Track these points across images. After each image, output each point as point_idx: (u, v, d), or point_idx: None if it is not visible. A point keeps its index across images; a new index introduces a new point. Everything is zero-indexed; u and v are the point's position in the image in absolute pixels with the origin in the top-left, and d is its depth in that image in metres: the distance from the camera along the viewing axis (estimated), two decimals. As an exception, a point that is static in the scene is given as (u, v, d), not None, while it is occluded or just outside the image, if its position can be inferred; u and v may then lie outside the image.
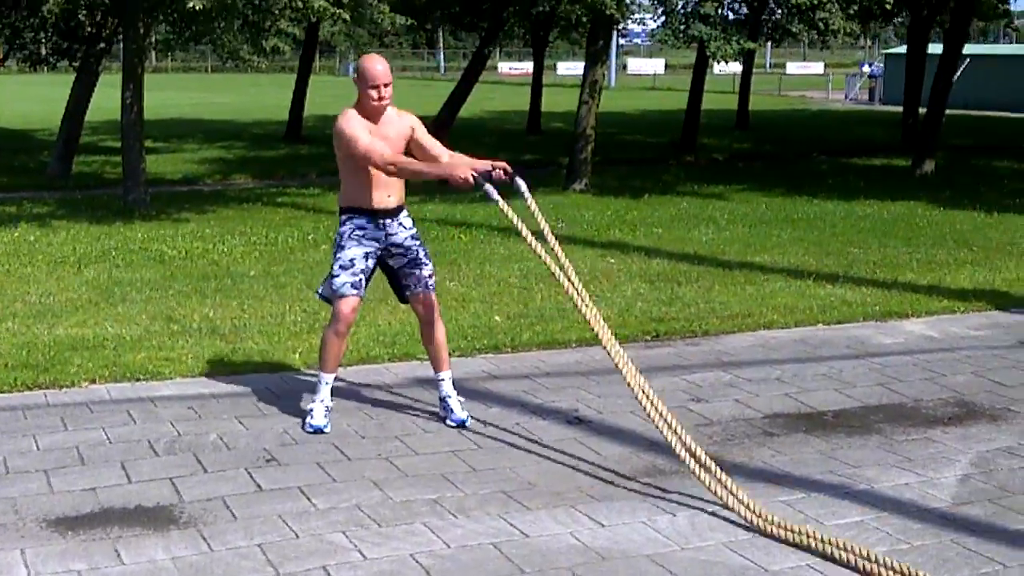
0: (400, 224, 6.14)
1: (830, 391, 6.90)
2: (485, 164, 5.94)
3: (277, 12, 14.24)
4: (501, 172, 5.92)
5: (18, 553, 4.56)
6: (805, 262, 11.12)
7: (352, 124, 5.94)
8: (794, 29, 24.61)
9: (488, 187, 5.80)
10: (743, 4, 25.39)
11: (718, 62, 21.61)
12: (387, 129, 6.02)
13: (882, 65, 50.50)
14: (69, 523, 4.87)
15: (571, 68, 73.55)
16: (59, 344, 7.72)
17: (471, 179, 5.75)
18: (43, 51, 22.74)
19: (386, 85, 5.94)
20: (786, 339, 8.20)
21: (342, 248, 6.08)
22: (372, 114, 5.99)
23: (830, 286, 9.91)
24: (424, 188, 15.52)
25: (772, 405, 6.61)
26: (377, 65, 5.94)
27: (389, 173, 5.91)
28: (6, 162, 21.49)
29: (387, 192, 6.06)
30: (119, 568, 4.45)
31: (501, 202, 5.79)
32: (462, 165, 5.90)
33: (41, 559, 4.51)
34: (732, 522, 4.91)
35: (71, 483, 5.31)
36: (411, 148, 6.11)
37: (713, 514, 5.00)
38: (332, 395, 6.25)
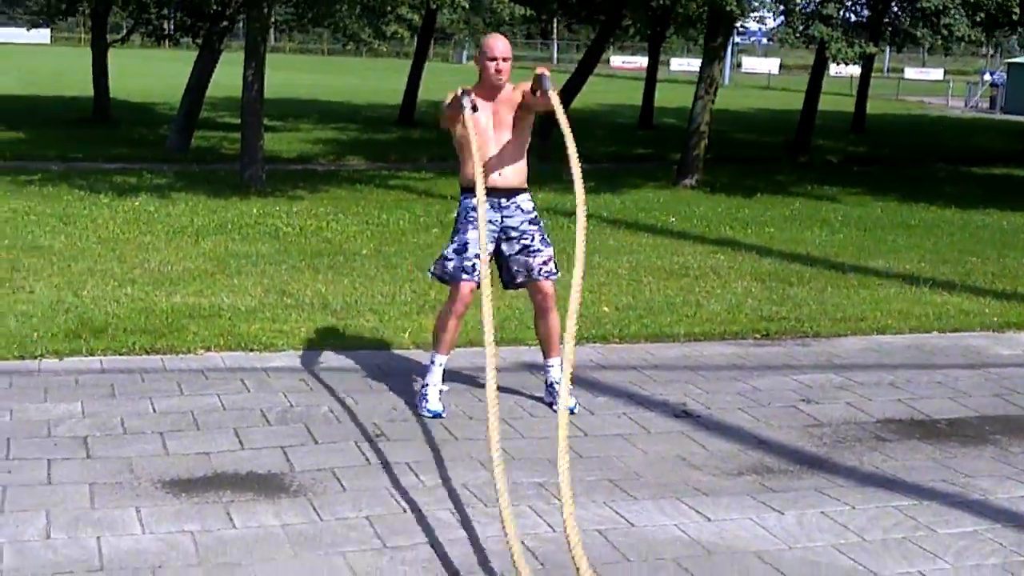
0: (518, 207, 6.12)
1: (944, 399, 6.76)
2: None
3: (398, -1, 14.38)
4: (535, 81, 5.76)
5: (133, 511, 4.67)
6: (921, 269, 10.91)
7: (449, 95, 5.96)
8: (917, 34, 24.10)
9: (543, 75, 5.73)
10: (864, 7, 24.97)
11: (837, 64, 21.28)
12: (499, 106, 6.02)
13: (1004, 74, 49.31)
14: (183, 485, 4.97)
15: (684, 64, 73.16)
16: (176, 311, 7.89)
17: (458, 98, 5.80)
18: (167, 27, 23.29)
19: (504, 59, 5.94)
20: (900, 345, 8.06)
21: (457, 231, 6.09)
22: (489, 89, 6.00)
23: (946, 294, 9.71)
24: (535, 177, 15.51)
25: (884, 410, 6.50)
26: (497, 41, 6.01)
27: (448, 122, 5.93)
28: (127, 134, 21.99)
29: (499, 171, 6.03)
30: (231, 531, 4.53)
31: (552, 93, 5.61)
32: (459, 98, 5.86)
33: (155, 518, 4.62)
34: (841, 524, 4.84)
35: (186, 447, 5.43)
36: (524, 106, 6.02)
37: (823, 514, 4.93)
38: (446, 382, 6.28)
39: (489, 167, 5.98)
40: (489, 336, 4.90)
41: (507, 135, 6.04)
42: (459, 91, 5.88)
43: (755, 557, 4.50)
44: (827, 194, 17.36)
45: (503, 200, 6.05)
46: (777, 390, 6.80)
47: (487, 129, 6.00)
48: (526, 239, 6.12)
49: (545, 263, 6.16)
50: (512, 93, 6.04)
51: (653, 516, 4.86)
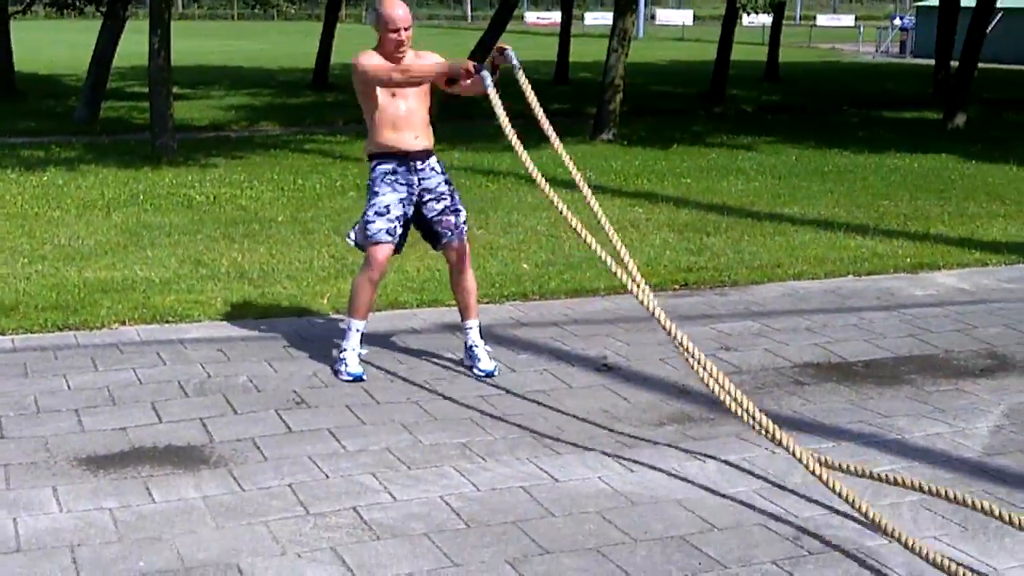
0: (432, 169, 6.09)
1: (860, 342, 6.85)
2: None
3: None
4: (497, 54, 5.87)
5: (50, 490, 4.59)
6: (835, 214, 11.04)
7: (367, 59, 5.86)
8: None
9: (485, 74, 5.76)
10: (775, -47, 25.11)
11: (748, 13, 21.39)
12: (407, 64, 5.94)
13: (914, 18, 49.94)
14: (100, 462, 4.89)
15: (598, 18, 73.09)
16: (89, 286, 7.75)
17: (471, 68, 5.73)
18: (69, -5, 22.77)
19: (406, 29, 5.84)
20: (816, 290, 8.15)
21: (376, 194, 6.01)
22: (391, 59, 5.91)
23: (860, 238, 9.84)
24: (450, 136, 15.46)
25: (802, 355, 6.58)
26: (398, 9, 5.84)
27: (401, 79, 5.80)
28: (34, 107, 21.51)
29: (413, 133, 5.99)
30: (150, 506, 4.47)
31: (491, 90, 5.74)
32: (457, 61, 5.82)
33: (73, 496, 4.54)
34: (761, 468, 4.89)
35: (102, 423, 5.34)
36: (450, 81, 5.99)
37: (744, 460, 4.98)
38: (364, 346, 6.24)
39: (404, 126, 5.97)
40: None
41: (414, 100, 6.00)
42: (472, 65, 5.73)
43: (678, 505, 4.54)
44: (742, 143, 17.48)
45: (418, 163, 6.02)
46: (697, 339, 6.75)
47: (399, 94, 5.94)
48: (445, 199, 6.12)
49: (464, 222, 6.18)
50: (419, 60, 5.96)
51: (576, 470, 4.88)
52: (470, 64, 5.73)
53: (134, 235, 9.58)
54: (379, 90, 5.90)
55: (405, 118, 5.97)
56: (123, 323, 6.98)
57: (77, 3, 22.95)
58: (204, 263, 8.55)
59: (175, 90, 15.94)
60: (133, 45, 23.71)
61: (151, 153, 14.70)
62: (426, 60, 5.98)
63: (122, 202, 11.23)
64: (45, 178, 12.71)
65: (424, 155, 6.05)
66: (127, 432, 5.23)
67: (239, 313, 7.25)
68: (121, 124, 18.97)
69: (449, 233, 6.12)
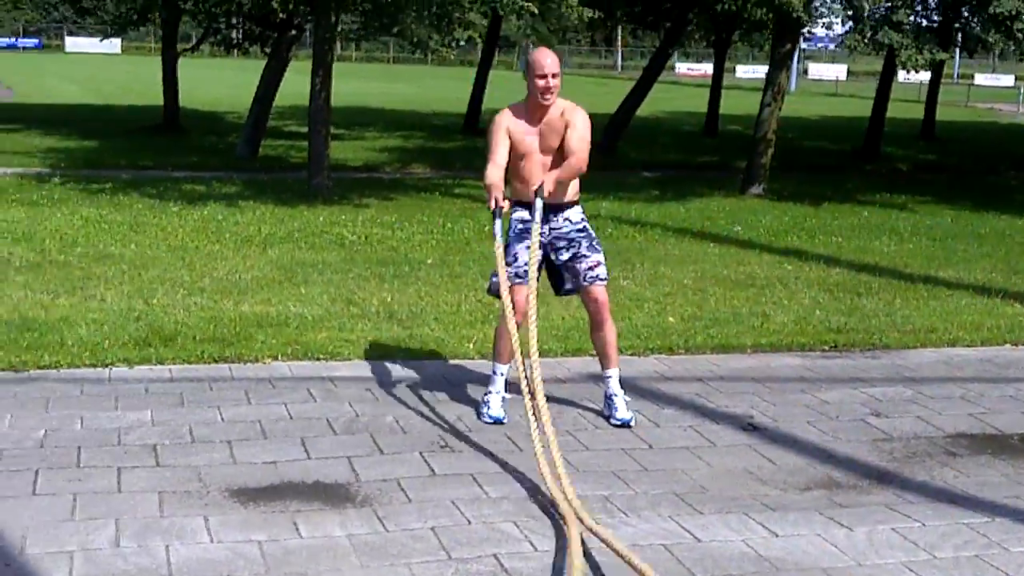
0: (566, 219, 6.13)
1: (1017, 414, 6.64)
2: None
3: (466, 4, 14.39)
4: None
5: (202, 520, 4.72)
6: (992, 279, 10.73)
7: (497, 127, 6.02)
8: (989, 40, 23.70)
9: (497, 224, 5.92)
10: (935, 12, 24.62)
11: (908, 72, 20.99)
12: (549, 122, 6.00)
13: (1079, 79, 48.43)
14: (250, 494, 5.01)
15: (750, 71, 72.68)
16: (244, 320, 7.96)
17: (490, 207, 5.86)
18: (236, 36, 23.51)
19: (553, 76, 5.92)
20: (971, 358, 7.93)
21: (508, 242, 6.12)
22: (535, 107, 5.99)
23: (1019, 305, 9.55)
24: (599, 185, 15.52)
25: (956, 424, 6.40)
26: (546, 57, 5.95)
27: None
28: (196, 143, 22.25)
29: (536, 181, 6.05)
30: (297, 541, 4.56)
31: (498, 242, 5.90)
32: (495, 200, 5.88)
33: (223, 527, 4.66)
34: (911, 541, 4.76)
35: (253, 455, 5.47)
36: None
37: (893, 531, 4.86)
38: (506, 387, 6.29)
39: (530, 176, 6.07)
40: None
41: (550, 159, 6.07)
42: (494, 204, 5.85)
43: (823, 574, 4.45)
44: (896, 203, 17.14)
45: (551, 214, 6.08)
46: (846, 403, 6.72)
47: (533, 151, 6.05)
48: (575, 247, 6.14)
49: (591, 268, 6.15)
50: (559, 120, 6.03)
51: (719, 531, 4.82)
52: (490, 204, 5.85)
53: (289, 271, 9.82)
54: (510, 145, 6.05)
55: (531, 171, 6.06)
56: (276, 358, 7.16)
57: (242, 43, 23.68)
58: (355, 302, 8.71)
59: (331, 130, 16.31)
60: (292, 85, 24.36)
61: (307, 191, 15.08)
62: (567, 146, 5.99)
63: (278, 238, 11.53)
64: (205, 212, 13.13)
65: (560, 208, 6.10)
66: (277, 466, 5.35)
67: (387, 354, 7.37)
68: (279, 162, 19.50)
69: (574, 279, 6.15)
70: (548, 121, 6.02)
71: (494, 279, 6.17)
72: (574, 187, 6.16)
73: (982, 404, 6.80)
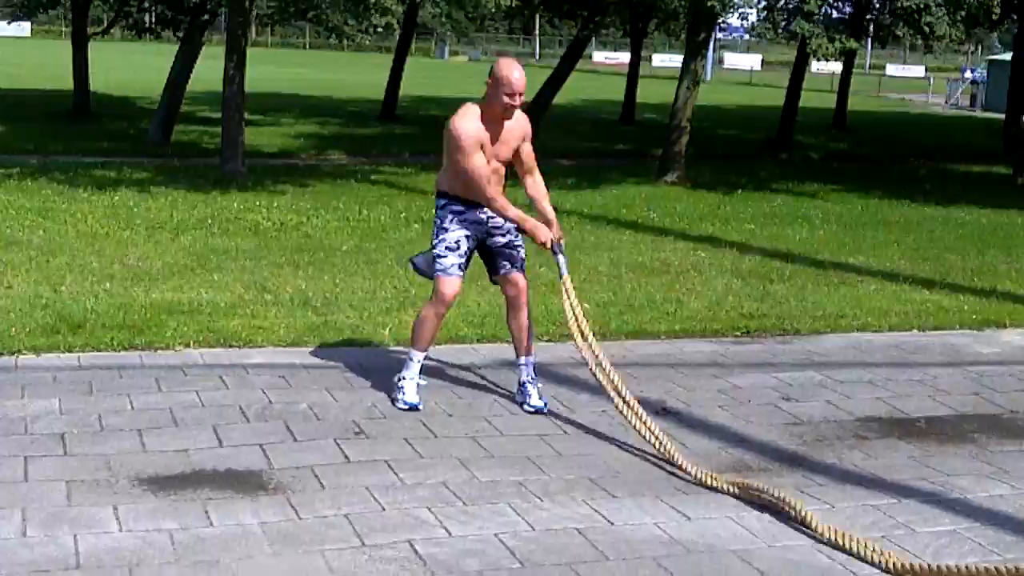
0: None
1: (924, 398, 6.78)
2: (554, 231, 6.11)
3: (382, -10, 14.33)
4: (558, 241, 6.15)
5: (111, 509, 4.65)
6: (901, 266, 10.94)
7: (468, 132, 5.88)
8: (898, 32, 24.12)
9: (560, 258, 6.07)
10: (846, 3, 25.00)
11: (819, 60, 21.30)
12: (507, 135, 6.02)
13: (985, 71, 49.49)
14: (161, 483, 4.94)
15: (666, 60, 73.10)
16: (155, 307, 7.85)
17: (549, 245, 6.01)
18: (148, 20, 23.17)
19: (520, 94, 5.90)
20: (880, 343, 8.07)
21: (445, 230, 6.08)
22: (496, 117, 5.96)
23: (926, 291, 9.74)
24: (511, 176, 15.51)
25: (864, 408, 6.51)
26: (515, 72, 5.85)
27: (486, 200, 5.95)
28: (107, 128, 21.89)
29: (492, 189, 6.09)
30: (209, 529, 4.51)
31: (566, 275, 6.07)
32: (543, 227, 6.03)
33: (133, 516, 4.59)
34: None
35: (164, 444, 5.40)
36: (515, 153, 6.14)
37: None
38: (424, 376, 6.28)
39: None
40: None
41: (501, 166, 6.12)
42: (553, 243, 6.03)
43: (734, 556, 4.50)
44: (808, 191, 17.40)
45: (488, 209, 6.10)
46: (757, 388, 6.81)
47: (491, 160, 6.03)
48: (510, 235, 6.17)
49: (523, 257, 6.24)
50: (517, 130, 6.06)
51: (633, 514, 4.86)
52: (550, 240, 6.01)
53: (201, 258, 9.70)
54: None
55: (490, 177, 6.04)
56: (188, 345, 7.07)
57: (155, 27, 23.37)
58: (269, 289, 8.64)
59: (246, 116, 16.14)
60: (207, 70, 24.04)
61: (221, 177, 14.91)
62: (527, 160, 6.19)
63: (191, 225, 11.38)
64: (116, 198, 12.92)
65: None
66: (188, 454, 5.28)
67: (302, 341, 7.31)
68: (192, 148, 19.25)
69: (508, 264, 6.16)
70: (508, 129, 6.03)
71: (427, 261, 6.15)
72: (503, 187, 6.18)
73: (890, 388, 6.92)
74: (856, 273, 10.47)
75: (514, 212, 6.00)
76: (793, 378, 7.07)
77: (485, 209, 6.08)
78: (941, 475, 5.49)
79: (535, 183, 6.28)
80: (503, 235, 6.14)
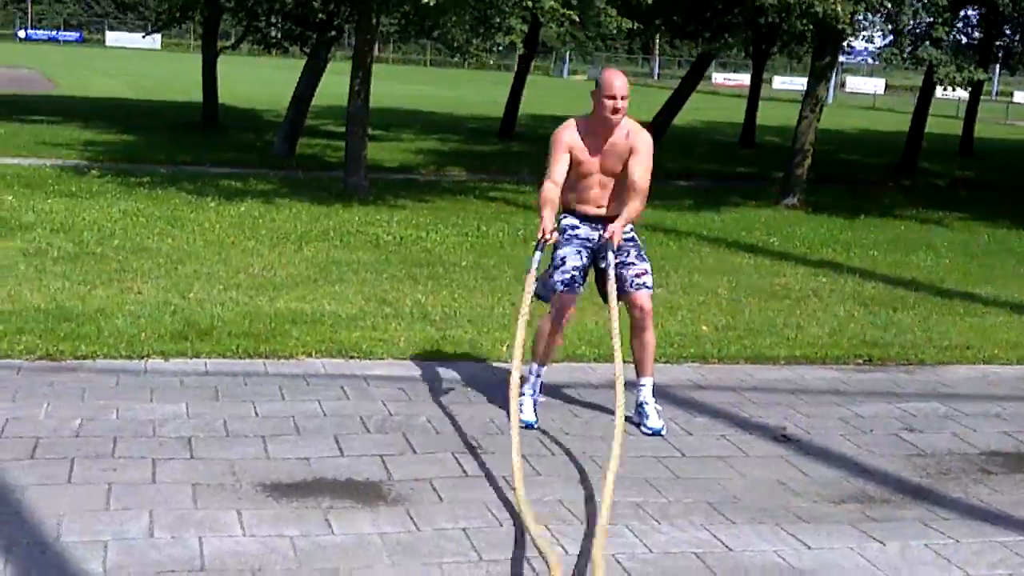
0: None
1: (1053, 433, 6.59)
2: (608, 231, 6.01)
3: (507, 9, 14.39)
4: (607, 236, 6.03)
5: (235, 513, 4.74)
6: (1030, 298, 10.65)
7: (557, 137, 6.03)
8: (1028, 59, 23.52)
9: (537, 255, 5.98)
10: (976, 28, 24.44)
11: (945, 89, 20.86)
12: (610, 147, 6.04)
13: (1121, 99, 48.00)
14: (283, 489, 5.03)
15: (787, 82, 72.43)
16: (279, 316, 8.00)
17: (539, 242, 5.93)
18: (275, 35, 23.62)
19: (623, 98, 5.95)
20: (1008, 376, 7.87)
21: (556, 247, 6.14)
22: (600, 125, 6.01)
23: (1057, 325, 9.47)
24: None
25: (990, 442, 6.35)
26: (616, 79, 5.99)
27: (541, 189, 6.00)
28: (234, 139, 22.36)
29: (598, 203, 6.14)
30: (329, 537, 4.57)
31: (531, 273, 5.94)
32: (548, 224, 5.91)
33: (256, 521, 4.68)
34: (945, 557, 4.73)
35: (287, 451, 5.50)
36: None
37: (926, 547, 4.82)
38: (540, 390, 6.30)
39: (591, 199, 6.14)
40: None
41: (611, 179, 6.12)
42: (541, 235, 5.91)
43: (856, 587, 4.43)
44: (933, 218, 17.05)
45: (604, 224, 6.10)
46: (880, 417, 6.69)
47: (594, 171, 6.09)
48: (623, 254, 6.14)
49: (638, 275, 6.16)
50: (624, 142, 6.05)
51: (751, 541, 4.80)
52: (542, 234, 5.91)
53: (324, 269, 9.86)
54: (570, 161, 6.08)
55: (594, 186, 6.10)
56: (310, 355, 7.18)
57: (282, 42, 23.81)
58: (389, 302, 8.74)
59: (369, 131, 16.36)
60: (332, 85, 24.45)
61: (343, 191, 15.12)
62: (631, 174, 6.04)
63: (314, 236, 11.57)
64: (242, 208, 13.19)
65: (609, 219, 6.13)
66: (310, 462, 5.36)
67: (421, 354, 7.38)
68: (316, 161, 19.56)
69: (625, 285, 6.11)
70: (613, 142, 6.04)
71: (543, 283, 6.21)
72: (621, 202, 6.16)
73: (1017, 423, 6.74)
74: (983, 304, 10.22)
75: (543, 218, 5.93)
76: (917, 409, 6.92)
77: (598, 226, 6.09)
78: (1072, 514, 5.33)
79: (629, 203, 6.05)
80: (615, 254, 6.11)
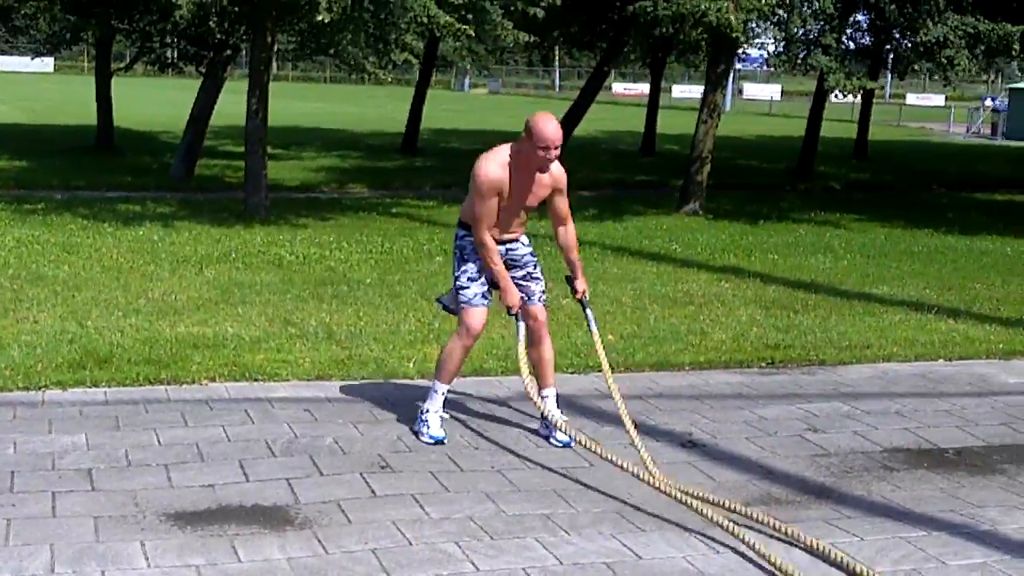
0: (520, 242, 6.21)
1: (952, 428, 6.73)
2: (579, 285, 6.35)
3: (403, 26, 14.36)
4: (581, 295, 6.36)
5: (138, 544, 4.65)
6: (925, 295, 10.89)
7: (488, 176, 5.87)
8: (917, 67, 24.05)
9: (520, 326, 6.11)
10: (865, 34, 24.94)
11: (836, 97, 21.25)
12: (536, 185, 6.01)
13: (1006, 99, 49.37)
14: (188, 518, 4.94)
15: (685, 91, 73.35)
16: (180, 341, 7.88)
17: (515, 311, 6.05)
18: (171, 56, 23.31)
19: (555, 147, 5.86)
20: (906, 373, 8.03)
21: (465, 260, 6.11)
22: (528, 167, 5.94)
23: (952, 321, 9.69)
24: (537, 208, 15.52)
25: (892, 439, 6.47)
26: (549, 126, 5.80)
27: (478, 242, 5.99)
28: (131, 162, 22.02)
29: (511, 230, 6.14)
30: (236, 565, 4.50)
31: (520, 344, 6.10)
32: (514, 293, 6.02)
33: (160, 552, 4.59)
34: (848, 554, 4.79)
35: (190, 479, 5.41)
36: (546, 201, 6.15)
37: (832, 545, 4.88)
38: (445, 405, 6.28)
39: (505, 227, 6.10)
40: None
41: (527, 208, 6.13)
42: (518, 312, 6.07)
43: (764, 590, 4.47)
44: (831, 220, 17.37)
45: (508, 242, 6.16)
46: (783, 419, 6.78)
47: (516, 204, 6.04)
48: (528, 267, 6.22)
49: (543, 290, 6.27)
50: (548, 180, 6.03)
51: (661, 548, 4.83)
52: (516, 305, 6.04)
53: (225, 292, 9.73)
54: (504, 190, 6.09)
55: (507, 219, 6.08)
56: (213, 379, 7.08)
57: (177, 62, 23.52)
58: (293, 322, 8.65)
59: (268, 150, 16.21)
60: (229, 105, 24.20)
61: (244, 211, 14.97)
62: (558, 212, 6.21)
63: (214, 259, 11.43)
64: (141, 232, 12.98)
65: (514, 239, 6.18)
66: (215, 489, 5.28)
67: (326, 374, 7.32)
68: (215, 182, 19.34)
69: (527, 298, 6.17)
70: (539, 180, 6.02)
71: (447, 297, 6.22)
72: (525, 224, 6.21)
73: (916, 419, 6.88)
74: (880, 303, 10.43)
75: (496, 268, 5.99)
76: (820, 409, 7.03)
77: (504, 242, 6.10)
78: (971, 507, 5.45)
79: (566, 233, 6.27)
80: (520, 268, 6.17)
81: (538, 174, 5.99)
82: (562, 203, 6.20)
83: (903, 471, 5.95)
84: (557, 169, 6.06)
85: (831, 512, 5.31)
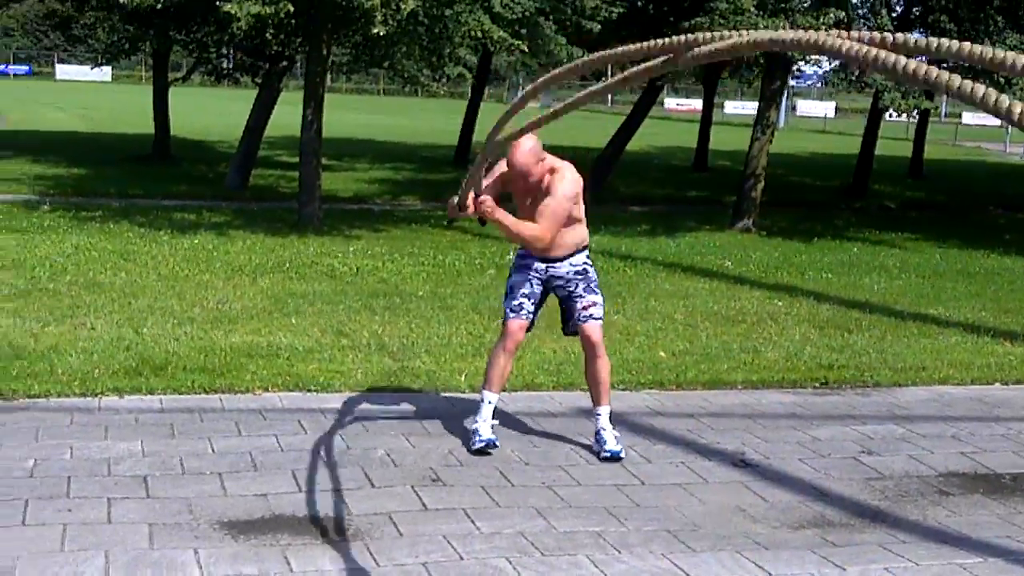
0: (567, 262, 6.20)
1: (1008, 453, 6.64)
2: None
3: (457, 40, 14.43)
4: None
5: (192, 552, 4.68)
6: (982, 318, 10.76)
7: (567, 192, 5.97)
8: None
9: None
10: (920, 56, 24.73)
11: (891, 116, 21.06)
12: (536, 195, 6.05)
13: (1065, 119, 48.65)
14: (241, 527, 4.98)
15: (739, 107, 73.02)
16: (235, 350, 7.94)
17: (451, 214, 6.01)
18: (226, 66, 23.54)
19: (527, 175, 5.97)
20: (962, 396, 7.94)
21: (510, 275, 6.29)
22: (515, 181, 6.10)
23: (1009, 344, 9.57)
24: (589, 220, 15.52)
25: (947, 463, 6.39)
26: (514, 156, 5.94)
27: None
28: (187, 172, 22.23)
29: (552, 247, 6.10)
30: (288, 575, 4.52)
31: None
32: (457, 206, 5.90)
33: (213, 560, 4.62)
34: (905, 581, 4.75)
35: (244, 488, 5.44)
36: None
37: (886, 570, 4.84)
38: (496, 418, 6.28)
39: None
40: None
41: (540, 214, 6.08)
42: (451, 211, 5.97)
43: (817, 613, 4.43)
44: (885, 240, 17.22)
45: (551, 262, 6.18)
46: (837, 440, 6.72)
47: (527, 214, 6.08)
48: (570, 287, 6.20)
49: (585, 308, 6.19)
50: (544, 183, 6.04)
51: (712, 568, 4.80)
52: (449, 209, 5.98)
53: (279, 302, 9.80)
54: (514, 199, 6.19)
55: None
56: (267, 389, 7.13)
57: (233, 73, 23.75)
58: (346, 333, 8.70)
59: (322, 161, 16.31)
60: (284, 116, 24.38)
61: (297, 222, 15.07)
62: (549, 195, 6.02)
63: (268, 268, 11.51)
64: (196, 241, 13.11)
65: (564, 257, 6.18)
66: (268, 499, 5.32)
67: (378, 385, 7.35)
68: (270, 192, 19.49)
69: (573, 318, 6.20)
70: (533, 186, 6.06)
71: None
72: (576, 237, 6.18)
73: (973, 443, 6.80)
74: (936, 324, 10.32)
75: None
76: (874, 431, 6.96)
77: (549, 258, 6.13)
78: (1028, 534, 5.37)
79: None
80: (563, 287, 6.19)
81: (531, 180, 6.00)
82: (543, 208, 5.97)
83: (959, 496, 5.88)
84: (555, 174, 6.02)
85: (886, 536, 5.25)
